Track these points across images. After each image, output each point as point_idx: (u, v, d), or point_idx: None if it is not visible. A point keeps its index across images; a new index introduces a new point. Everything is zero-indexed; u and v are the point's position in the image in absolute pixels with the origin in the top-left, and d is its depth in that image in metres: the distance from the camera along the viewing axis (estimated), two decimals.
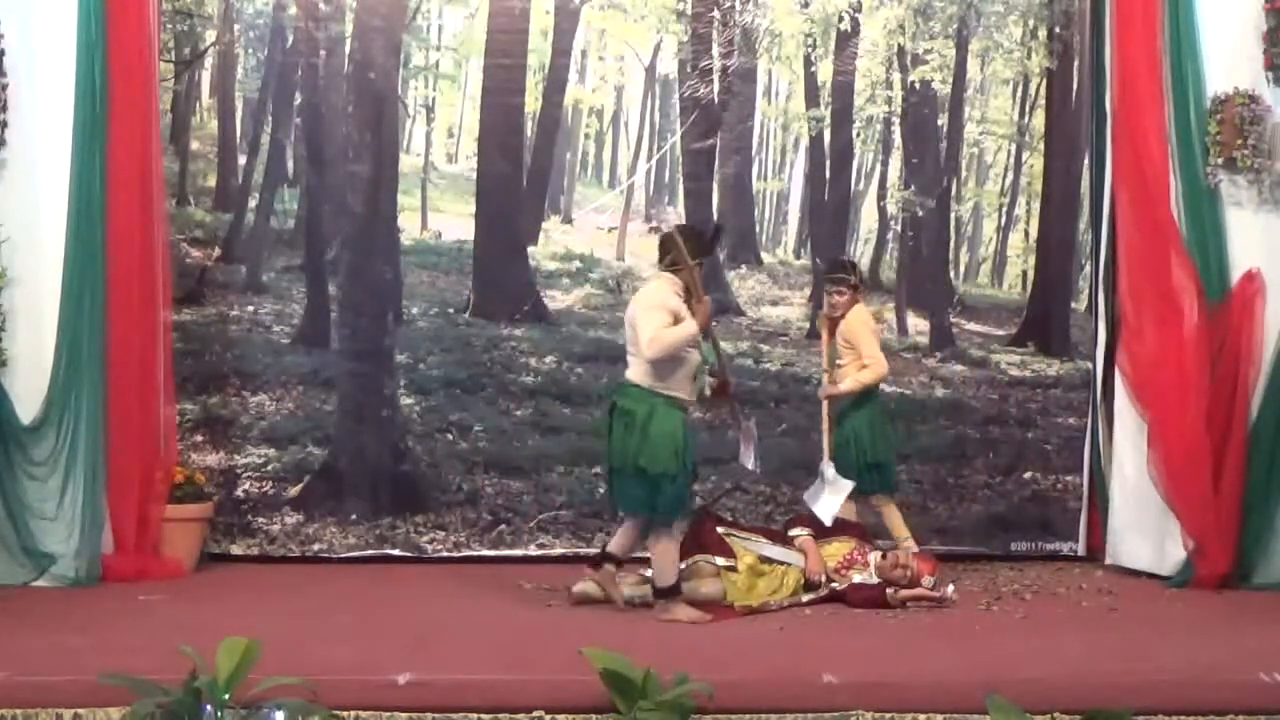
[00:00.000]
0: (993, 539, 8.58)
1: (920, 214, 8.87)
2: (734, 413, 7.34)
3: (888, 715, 5.11)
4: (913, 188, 8.87)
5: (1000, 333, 8.95)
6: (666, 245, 6.81)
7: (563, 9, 8.70)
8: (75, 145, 7.37)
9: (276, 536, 8.27)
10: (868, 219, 9.01)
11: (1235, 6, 7.70)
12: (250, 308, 8.42)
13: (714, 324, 6.94)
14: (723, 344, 7.40)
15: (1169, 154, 7.74)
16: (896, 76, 8.83)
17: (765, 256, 8.99)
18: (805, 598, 7.02)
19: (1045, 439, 8.71)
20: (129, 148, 7.50)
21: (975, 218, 9.15)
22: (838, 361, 7.66)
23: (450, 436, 8.45)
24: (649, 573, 6.82)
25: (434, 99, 8.83)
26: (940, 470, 8.66)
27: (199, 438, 8.26)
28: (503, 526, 8.40)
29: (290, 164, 8.53)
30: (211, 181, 8.54)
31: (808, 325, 8.68)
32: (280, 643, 5.25)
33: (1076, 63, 8.75)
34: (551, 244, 8.78)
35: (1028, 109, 9.01)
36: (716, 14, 8.65)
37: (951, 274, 9.00)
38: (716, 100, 8.74)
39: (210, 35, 8.45)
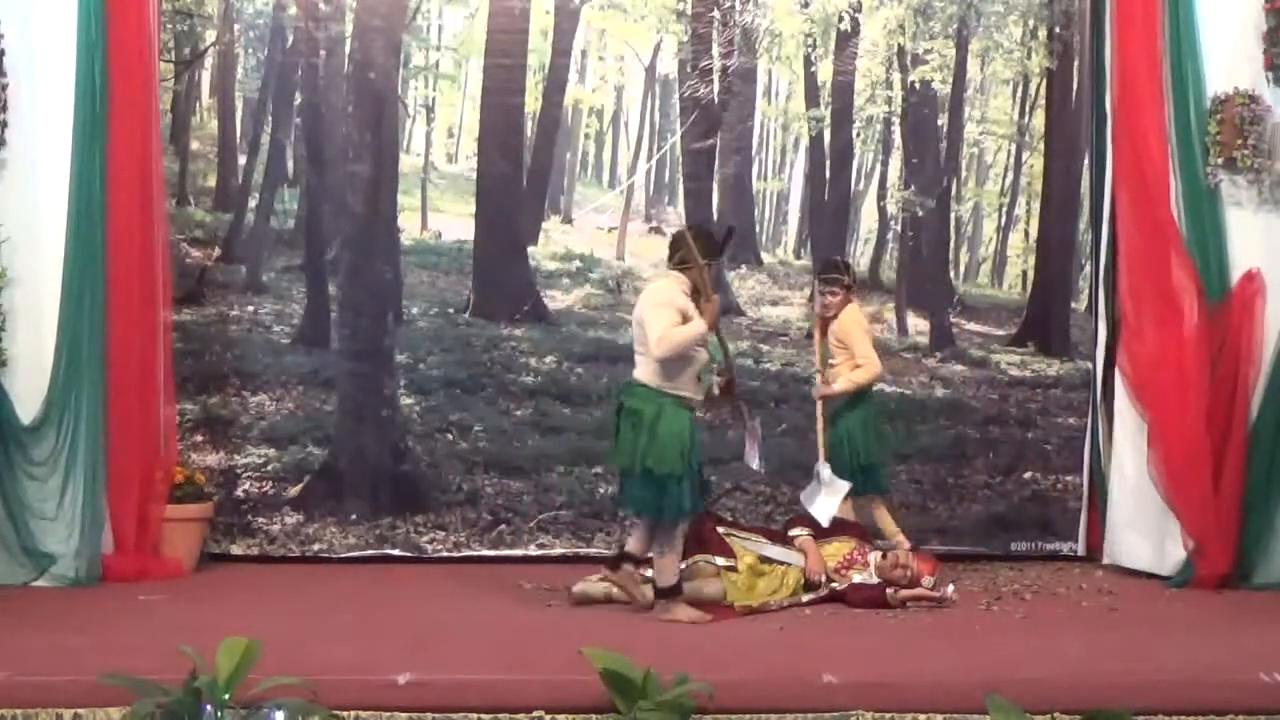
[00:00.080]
0: (993, 539, 8.58)
1: (920, 214, 8.87)
2: (740, 412, 7.27)
3: (888, 715, 5.10)
4: (913, 188, 8.87)
5: (1000, 333, 8.95)
6: (677, 243, 6.76)
7: (563, 9, 8.70)
8: (75, 145, 7.36)
9: (276, 536, 8.27)
10: (868, 219, 9.01)
11: (1235, 6, 7.70)
12: (250, 308, 8.42)
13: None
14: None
15: (1169, 154, 7.74)
16: (896, 76, 8.83)
17: (765, 256, 8.99)
18: (805, 598, 7.02)
19: (1045, 439, 8.71)
20: (129, 148, 7.50)
21: (975, 218, 9.15)
22: (830, 361, 7.66)
23: (450, 436, 8.45)
24: (649, 573, 6.81)
25: (434, 99, 8.83)
26: (940, 470, 8.66)
27: (199, 438, 8.26)
28: (503, 526, 8.40)
29: (290, 164, 8.53)
30: (211, 181, 8.54)
31: (808, 325, 8.68)
32: (280, 643, 5.25)
33: (1076, 63, 8.75)
34: (551, 244, 8.78)
35: (1028, 109, 9.01)
36: (716, 14, 8.65)
37: (951, 274, 9.00)
38: (716, 100, 8.74)
39: (210, 35, 8.45)
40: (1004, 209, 9.14)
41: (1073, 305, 8.82)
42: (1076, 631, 6.39)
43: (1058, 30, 8.79)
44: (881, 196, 8.93)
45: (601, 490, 8.40)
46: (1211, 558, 7.49)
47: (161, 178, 7.87)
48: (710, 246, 6.75)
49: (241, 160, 8.51)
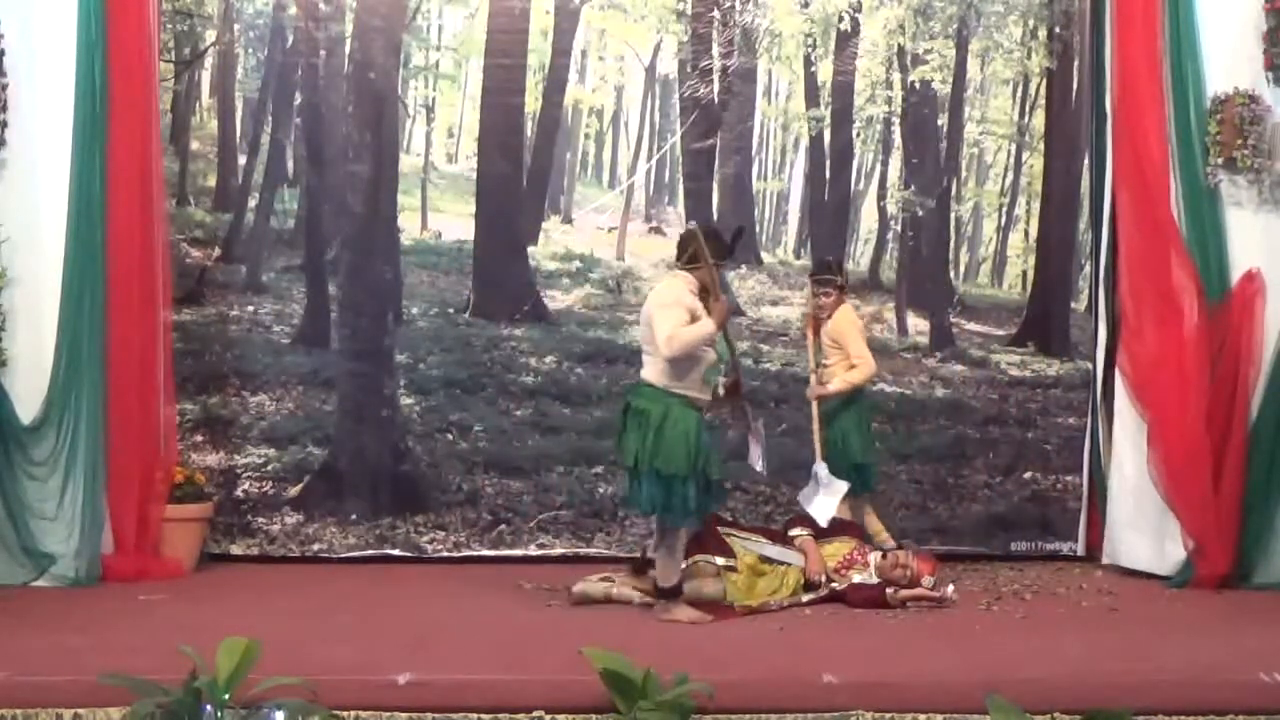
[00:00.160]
0: (993, 539, 8.58)
1: (920, 214, 8.87)
2: (743, 413, 7.22)
3: (888, 715, 5.11)
4: (913, 188, 8.87)
5: (1000, 333, 8.95)
6: (686, 242, 6.73)
7: (563, 9, 8.70)
8: (75, 145, 7.37)
9: (276, 536, 8.27)
10: (868, 219, 9.01)
11: (1235, 6, 7.71)
12: (250, 308, 8.42)
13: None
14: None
15: (1169, 154, 7.75)
16: (896, 76, 8.83)
17: (765, 256, 8.99)
18: (805, 598, 7.01)
19: (1045, 439, 8.71)
20: (129, 148, 7.51)
21: (975, 218, 9.14)
22: (824, 361, 7.66)
23: (450, 436, 8.45)
24: (650, 573, 6.82)
25: (434, 99, 8.83)
26: (940, 470, 8.66)
27: (199, 438, 8.27)
28: (503, 526, 8.40)
29: (290, 164, 8.53)
30: (211, 181, 8.54)
31: (801, 325, 8.68)
32: (280, 643, 5.26)
33: (1076, 63, 8.75)
34: (551, 244, 8.78)
35: (1028, 109, 9.01)
36: (716, 14, 8.65)
37: (951, 274, 9.00)
38: (716, 100, 8.74)
39: (210, 35, 8.46)
40: (1004, 209, 9.13)
41: (1073, 305, 8.81)
42: (1076, 631, 6.39)
43: (1058, 30, 8.79)
44: (881, 196, 8.93)
45: (601, 490, 8.40)
46: (1211, 558, 7.49)
47: (161, 178, 7.87)
48: (719, 246, 6.71)
49: (241, 160, 8.51)
